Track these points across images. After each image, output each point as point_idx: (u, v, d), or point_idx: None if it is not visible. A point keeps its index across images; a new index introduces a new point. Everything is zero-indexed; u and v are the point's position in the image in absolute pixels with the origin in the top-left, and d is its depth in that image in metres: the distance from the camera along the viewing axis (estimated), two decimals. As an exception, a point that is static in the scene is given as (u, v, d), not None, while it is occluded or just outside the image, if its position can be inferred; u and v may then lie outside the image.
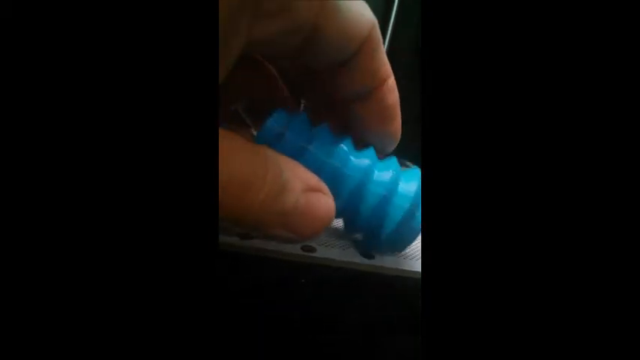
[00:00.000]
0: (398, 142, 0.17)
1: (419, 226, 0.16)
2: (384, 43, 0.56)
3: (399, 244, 0.17)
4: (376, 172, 0.16)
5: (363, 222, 0.16)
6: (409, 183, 0.16)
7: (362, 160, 0.15)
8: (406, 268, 0.18)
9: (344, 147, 0.15)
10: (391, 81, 0.15)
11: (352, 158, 0.15)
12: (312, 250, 0.17)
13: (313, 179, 0.13)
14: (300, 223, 0.13)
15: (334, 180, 0.14)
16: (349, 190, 0.15)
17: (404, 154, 0.51)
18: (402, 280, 0.18)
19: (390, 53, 0.46)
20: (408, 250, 0.20)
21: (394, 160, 0.17)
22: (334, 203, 0.13)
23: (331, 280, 0.18)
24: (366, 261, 0.17)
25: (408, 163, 0.48)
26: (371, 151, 0.16)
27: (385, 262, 0.18)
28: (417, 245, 0.21)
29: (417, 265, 0.18)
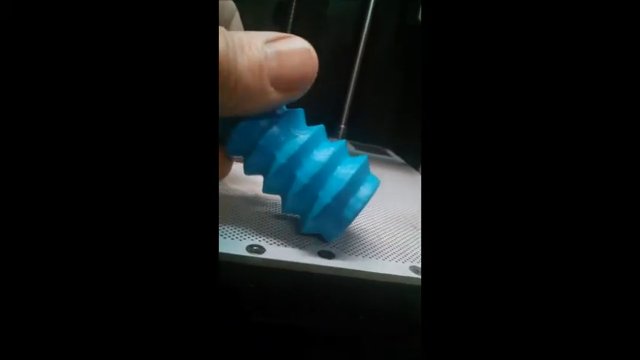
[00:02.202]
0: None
1: (351, 212, 0.15)
2: (364, 25, 0.53)
3: (330, 218, 0.16)
4: (315, 150, 0.15)
5: (298, 195, 0.15)
6: (347, 167, 0.15)
7: (305, 132, 0.15)
8: (366, 269, 0.16)
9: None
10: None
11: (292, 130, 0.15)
12: (261, 250, 0.15)
13: (271, 33, 0.13)
14: (284, 73, 0.13)
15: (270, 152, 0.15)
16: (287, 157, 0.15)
17: (383, 140, 0.49)
18: (361, 282, 0.16)
19: (371, 34, 0.44)
20: (366, 248, 0.18)
21: (344, 142, 0.16)
22: (306, 42, 0.13)
23: (283, 284, 0.16)
24: (322, 262, 0.16)
25: (389, 152, 0.46)
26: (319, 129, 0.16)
27: (343, 263, 0.16)
28: (374, 244, 0.19)
29: (378, 266, 0.16)
